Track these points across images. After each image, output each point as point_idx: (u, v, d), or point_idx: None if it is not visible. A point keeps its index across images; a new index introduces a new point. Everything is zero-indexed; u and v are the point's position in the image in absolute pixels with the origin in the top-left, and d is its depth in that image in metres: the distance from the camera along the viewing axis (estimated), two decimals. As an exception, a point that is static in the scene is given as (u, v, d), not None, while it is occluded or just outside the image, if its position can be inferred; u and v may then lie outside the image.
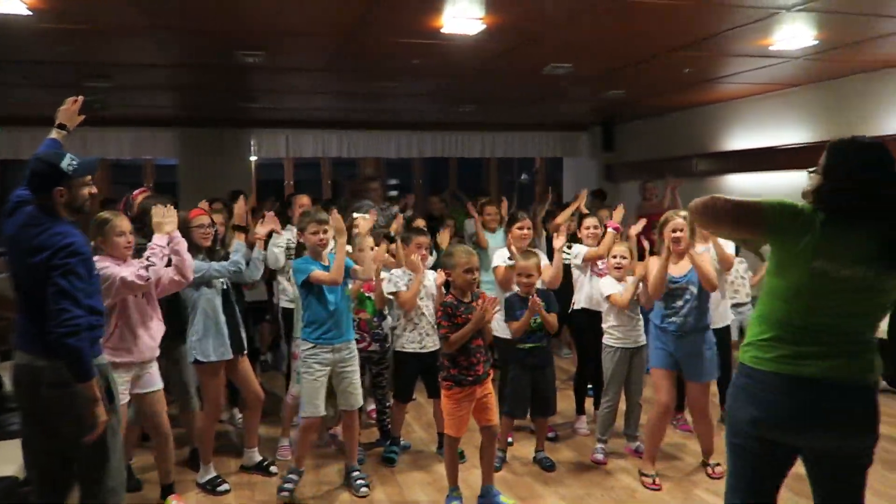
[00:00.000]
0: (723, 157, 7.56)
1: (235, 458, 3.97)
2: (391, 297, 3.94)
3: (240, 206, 3.93)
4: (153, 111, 7.65)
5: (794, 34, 4.49)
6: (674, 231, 3.56)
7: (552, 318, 3.71)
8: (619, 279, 3.94)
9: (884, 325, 5.21)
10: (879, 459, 3.78)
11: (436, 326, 3.61)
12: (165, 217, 3.14)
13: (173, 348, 3.59)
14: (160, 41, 4.52)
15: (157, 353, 3.24)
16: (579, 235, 4.45)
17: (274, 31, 4.33)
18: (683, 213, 3.60)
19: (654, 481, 3.62)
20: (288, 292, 4.48)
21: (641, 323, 3.96)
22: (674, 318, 3.57)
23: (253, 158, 8.92)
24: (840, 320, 1.97)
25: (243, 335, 3.73)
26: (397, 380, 4.03)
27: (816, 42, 4.66)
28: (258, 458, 3.85)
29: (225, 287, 3.64)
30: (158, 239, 3.09)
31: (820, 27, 4.35)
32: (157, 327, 3.21)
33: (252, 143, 8.75)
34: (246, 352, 3.76)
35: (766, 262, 2.11)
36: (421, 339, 3.89)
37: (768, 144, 6.84)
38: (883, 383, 4.96)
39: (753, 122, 7.16)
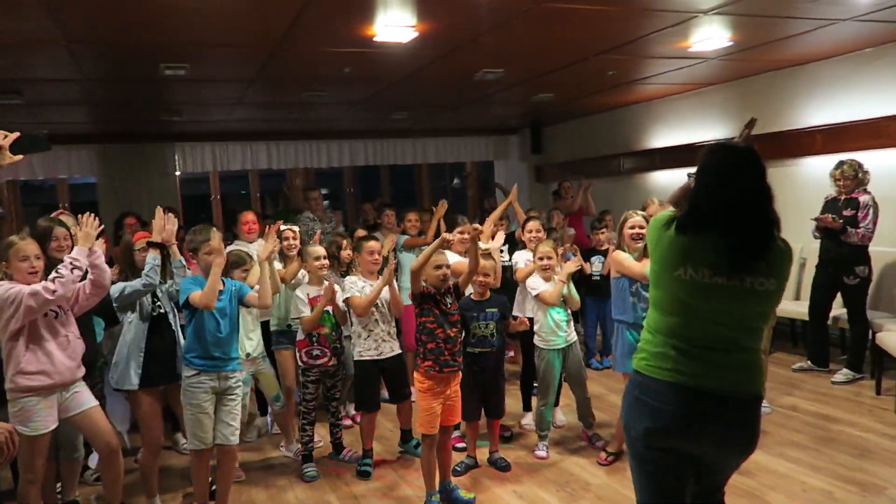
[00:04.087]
0: (647, 154, 7.86)
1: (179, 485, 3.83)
2: (344, 304, 3.89)
3: (159, 220, 3.39)
4: (68, 127, 7.28)
5: (711, 36, 4.73)
6: (632, 228, 3.68)
7: (510, 323, 3.88)
8: (547, 279, 4.01)
9: (804, 309, 5.50)
10: (815, 436, 4.05)
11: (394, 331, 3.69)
12: (94, 230, 3.00)
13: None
14: (75, 55, 4.32)
15: (81, 374, 3.09)
16: (523, 239, 4.54)
17: (198, 43, 4.22)
18: (642, 212, 3.74)
19: (606, 458, 3.81)
20: None
21: (570, 321, 4.05)
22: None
23: (177, 173, 8.62)
24: (720, 329, 1.96)
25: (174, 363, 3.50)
26: (359, 390, 3.99)
27: (731, 43, 4.92)
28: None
29: (160, 312, 3.45)
30: (78, 252, 2.94)
31: (734, 29, 4.60)
32: (78, 346, 3.07)
33: (176, 157, 8.45)
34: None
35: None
36: (377, 345, 3.87)
37: (688, 141, 7.17)
38: (808, 363, 5.33)
39: (674, 120, 7.47)
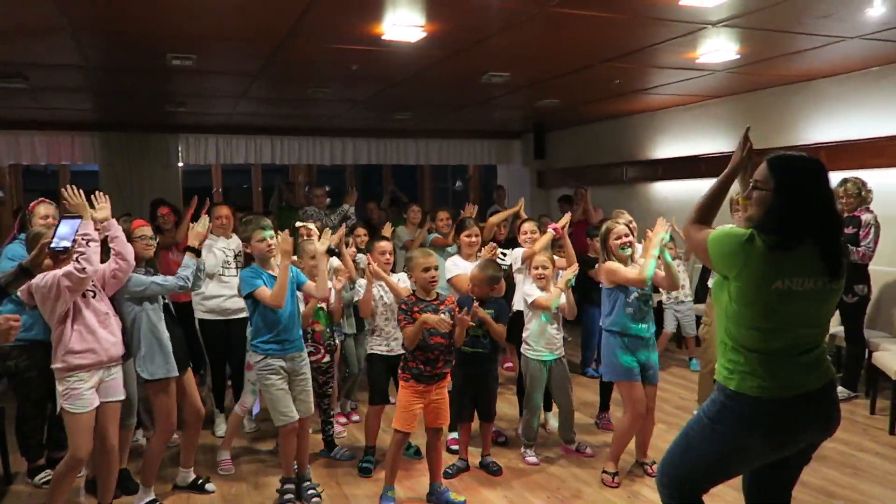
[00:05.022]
0: (649, 164, 7.86)
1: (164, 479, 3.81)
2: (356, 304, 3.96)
3: (201, 227, 3.52)
4: (72, 114, 7.27)
5: (718, 48, 4.73)
6: (617, 238, 3.66)
7: (500, 328, 3.77)
8: (543, 288, 3.99)
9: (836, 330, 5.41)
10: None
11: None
12: (97, 204, 3.10)
13: None
14: (81, 42, 4.31)
15: (122, 351, 3.18)
16: (519, 240, 4.53)
17: (205, 34, 4.22)
18: (623, 219, 3.72)
19: (613, 479, 3.70)
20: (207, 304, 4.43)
21: (560, 335, 4.04)
22: (643, 325, 3.64)
23: (180, 164, 8.61)
24: (806, 330, 2.09)
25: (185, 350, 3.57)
26: (371, 381, 3.98)
27: (738, 56, 4.92)
28: (192, 476, 3.71)
29: (165, 301, 3.49)
30: (84, 227, 2.98)
31: (742, 42, 4.60)
32: (116, 324, 3.18)
33: (179, 148, 8.45)
34: (191, 366, 3.62)
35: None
36: (388, 342, 3.89)
37: (691, 153, 7.16)
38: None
39: (678, 131, 7.47)
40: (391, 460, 3.45)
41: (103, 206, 3.15)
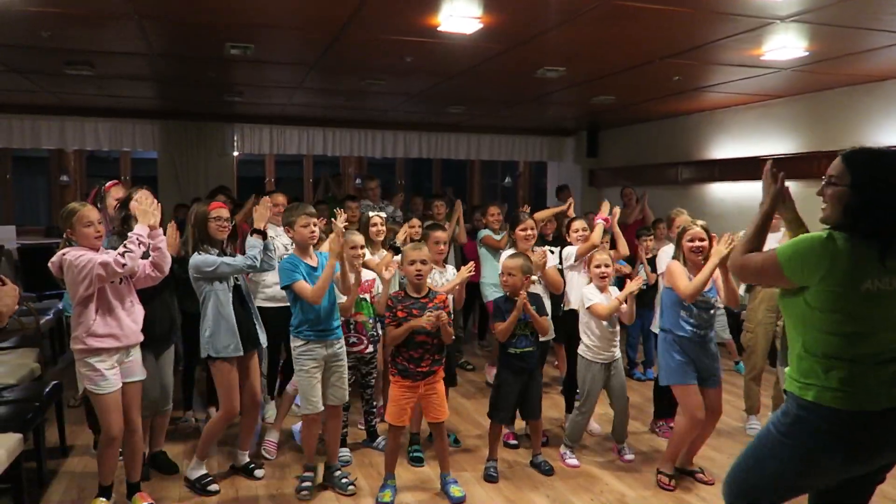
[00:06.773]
0: (706, 165, 7.64)
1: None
2: None
3: (263, 209, 3.56)
4: (134, 102, 7.49)
5: (786, 45, 4.54)
6: (691, 241, 3.53)
7: (543, 321, 3.71)
8: (602, 288, 3.91)
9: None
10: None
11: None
12: (151, 207, 3.11)
13: (161, 347, 3.60)
14: (145, 30, 4.42)
15: (142, 337, 3.20)
16: (568, 239, 4.45)
17: (263, 23, 4.26)
18: (701, 221, 3.60)
19: (670, 481, 3.62)
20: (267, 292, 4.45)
21: (618, 337, 3.94)
22: (699, 330, 3.52)
23: (235, 154, 8.79)
24: (893, 336, 1.96)
25: (259, 332, 3.64)
26: None
27: (807, 53, 4.72)
28: (246, 459, 3.76)
29: (238, 283, 3.57)
30: (140, 228, 3.06)
31: (811, 39, 4.41)
32: (139, 311, 3.20)
33: (234, 137, 8.61)
34: (258, 349, 3.70)
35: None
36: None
37: (751, 154, 6.93)
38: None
39: (737, 132, 7.24)
40: (387, 450, 3.51)
41: (156, 212, 3.15)
